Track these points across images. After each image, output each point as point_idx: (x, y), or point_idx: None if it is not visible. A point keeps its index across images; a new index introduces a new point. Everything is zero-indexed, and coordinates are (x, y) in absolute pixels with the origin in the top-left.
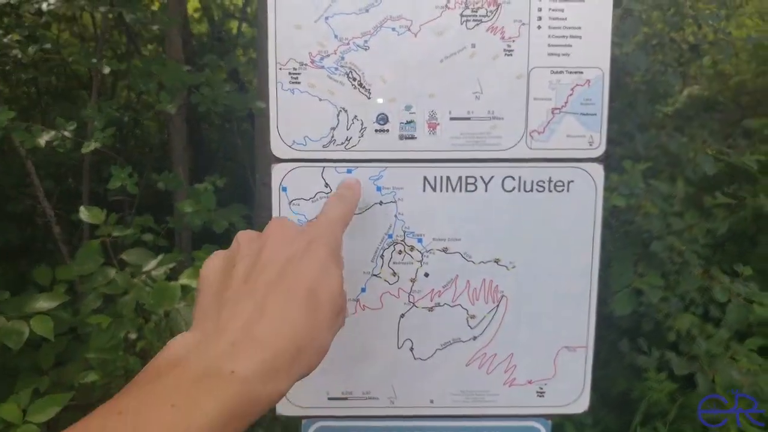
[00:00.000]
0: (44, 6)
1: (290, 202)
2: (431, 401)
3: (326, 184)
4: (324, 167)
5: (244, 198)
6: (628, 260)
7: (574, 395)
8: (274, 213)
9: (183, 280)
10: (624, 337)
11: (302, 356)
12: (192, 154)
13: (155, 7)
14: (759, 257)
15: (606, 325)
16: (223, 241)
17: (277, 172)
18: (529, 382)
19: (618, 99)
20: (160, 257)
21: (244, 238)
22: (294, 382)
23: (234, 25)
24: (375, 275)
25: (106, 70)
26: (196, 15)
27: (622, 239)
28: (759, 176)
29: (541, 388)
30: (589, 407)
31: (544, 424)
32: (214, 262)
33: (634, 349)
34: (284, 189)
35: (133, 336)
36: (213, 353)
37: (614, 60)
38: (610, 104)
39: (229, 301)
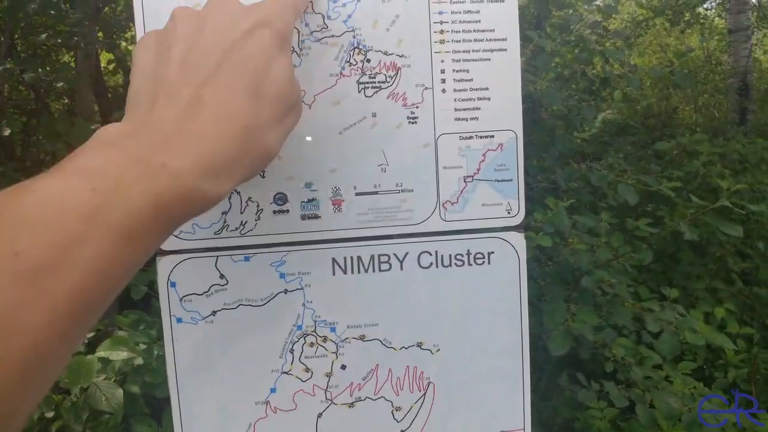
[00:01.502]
0: None
1: (181, 299)
2: None
3: (221, 275)
4: (217, 256)
5: None
6: (559, 297)
7: None
8: (164, 312)
9: (101, 352)
10: (562, 371)
11: (246, 154)
12: None
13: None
14: (681, 275)
15: (543, 357)
16: (146, 307)
17: (164, 266)
18: None
19: (535, 133)
20: None
21: (180, 14)
22: (237, 184)
23: None
24: (285, 373)
25: (7, 131)
26: (110, 67)
27: (551, 276)
28: (676, 201)
29: None
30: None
31: None
32: (147, 41)
33: (574, 382)
34: (173, 284)
35: (49, 415)
36: (144, 144)
37: (529, 96)
38: (525, 160)
39: (163, 88)
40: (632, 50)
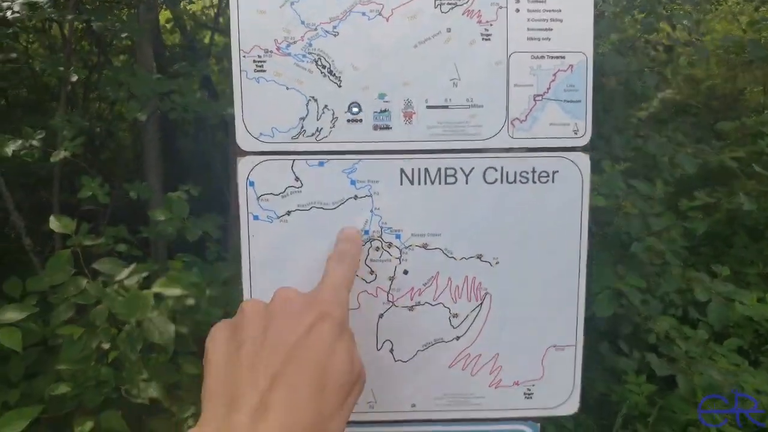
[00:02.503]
0: (8, 14)
1: (258, 198)
2: (413, 405)
3: (296, 177)
4: (294, 160)
5: (220, 207)
6: (608, 262)
7: (563, 397)
8: (242, 209)
9: (156, 288)
10: (604, 340)
11: None
12: (167, 164)
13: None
14: (734, 259)
15: (585, 327)
16: (198, 249)
17: (244, 165)
18: (516, 384)
19: (595, 100)
20: (132, 266)
21: (249, 310)
22: None
23: (207, 35)
24: None
25: (74, 77)
26: (168, 26)
27: (602, 241)
28: (738, 174)
29: (529, 390)
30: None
31: (532, 427)
32: (218, 335)
33: (614, 351)
34: (251, 183)
35: (105, 346)
36: None
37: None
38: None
39: (235, 392)
40: (699, 26)
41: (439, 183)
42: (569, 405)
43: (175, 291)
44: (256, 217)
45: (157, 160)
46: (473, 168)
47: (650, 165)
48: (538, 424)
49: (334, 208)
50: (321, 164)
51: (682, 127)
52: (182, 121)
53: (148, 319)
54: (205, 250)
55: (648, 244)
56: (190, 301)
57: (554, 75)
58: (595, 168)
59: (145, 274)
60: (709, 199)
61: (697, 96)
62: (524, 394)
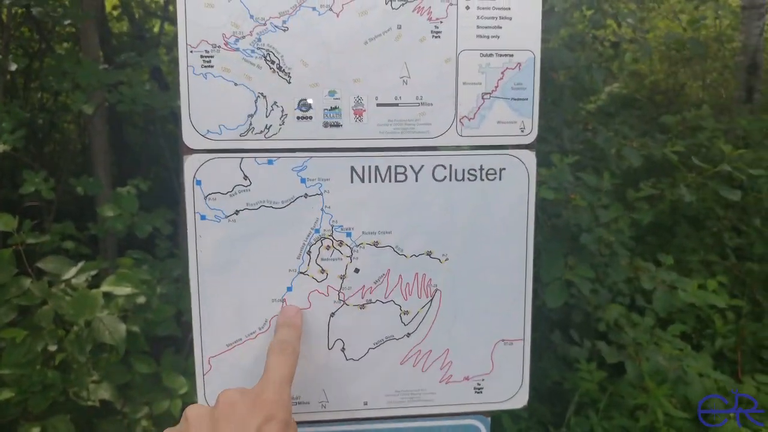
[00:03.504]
0: None
1: (206, 197)
2: (365, 403)
3: (245, 176)
4: (242, 158)
5: (170, 201)
6: (557, 253)
7: (513, 390)
8: (188, 209)
9: (105, 287)
10: (555, 330)
11: None
12: (116, 158)
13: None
14: (677, 247)
15: (537, 317)
16: (149, 245)
17: (190, 163)
18: (466, 379)
19: (545, 94)
20: (80, 265)
21: (194, 417)
22: None
23: (156, 23)
24: (302, 273)
25: (13, 66)
26: (116, 13)
27: (551, 232)
28: (679, 167)
29: (479, 384)
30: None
31: (483, 421)
32: None
33: (566, 340)
34: (198, 182)
35: (52, 348)
36: None
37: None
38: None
39: None
40: (644, 23)
41: (390, 181)
42: (518, 399)
43: (125, 289)
44: (203, 217)
45: (106, 153)
46: (423, 166)
47: (598, 158)
48: (489, 418)
49: (284, 207)
50: (270, 162)
51: (628, 121)
52: (131, 113)
53: (97, 319)
54: (154, 247)
55: (597, 236)
56: (141, 300)
57: (502, 73)
58: (545, 161)
59: (93, 273)
60: (654, 190)
61: (641, 90)
62: (474, 389)
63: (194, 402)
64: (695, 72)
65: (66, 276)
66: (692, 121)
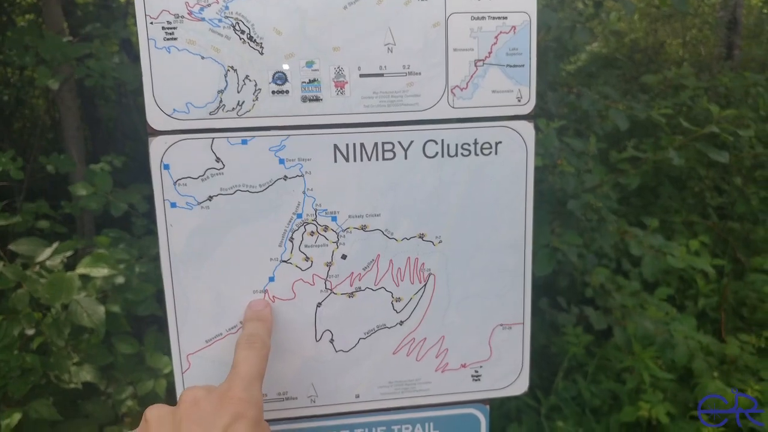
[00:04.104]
0: None
1: (175, 183)
2: (357, 396)
3: (217, 158)
4: (213, 138)
5: (146, 177)
6: (544, 220)
7: (513, 376)
8: (157, 196)
9: (81, 269)
10: (542, 296)
11: None
12: (89, 134)
13: None
14: (661, 208)
15: None
16: (125, 223)
17: (156, 146)
18: (463, 366)
19: None
20: (54, 245)
21: (154, 419)
22: None
23: None
24: (284, 261)
25: None
26: None
27: (537, 199)
28: (666, 130)
29: (477, 372)
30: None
31: (481, 410)
32: None
33: (553, 306)
34: (166, 167)
35: (29, 332)
36: None
37: None
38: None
39: None
40: None
41: (376, 159)
42: (518, 385)
43: (102, 270)
44: (173, 205)
45: (77, 129)
46: (412, 141)
47: (580, 120)
48: (488, 407)
49: (262, 191)
50: (244, 142)
51: (610, 81)
52: (102, 87)
53: (75, 302)
54: (131, 225)
55: (584, 201)
56: (120, 280)
57: (496, 38)
58: None
59: (69, 253)
60: (640, 154)
61: (621, 49)
62: (472, 376)
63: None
64: (675, 29)
65: (40, 258)
66: (674, 80)
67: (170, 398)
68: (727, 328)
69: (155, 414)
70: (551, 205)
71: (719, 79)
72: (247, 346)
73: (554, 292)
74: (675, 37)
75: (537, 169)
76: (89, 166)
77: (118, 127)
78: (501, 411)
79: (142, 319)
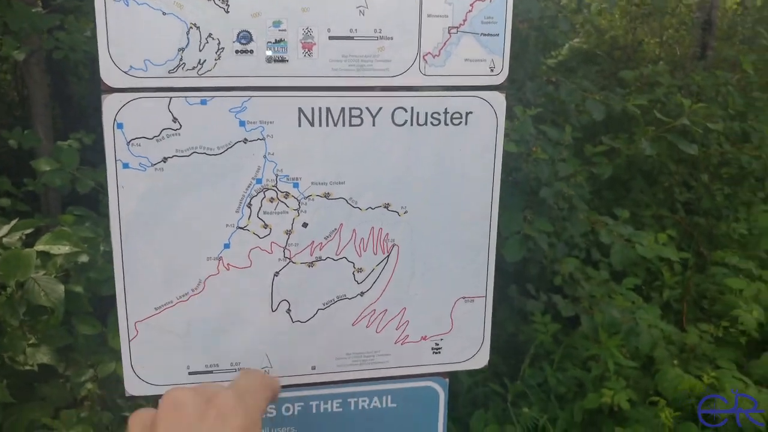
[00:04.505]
0: None
1: (129, 142)
2: (313, 367)
3: (174, 118)
4: (171, 98)
5: None
6: (517, 207)
7: (473, 349)
8: (108, 156)
9: (40, 246)
10: (512, 283)
11: None
12: (60, 111)
13: None
14: (631, 202)
15: (495, 271)
16: (92, 203)
17: (110, 104)
18: (424, 338)
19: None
20: (13, 222)
21: (133, 424)
22: None
23: None
24: (241, 228)
25: None
26: None
27: (511, 186)
28: (639, 120)
29: (437, 344)
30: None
31: (441, 383)
32: None
33: (522, 293)
34: (120, 126)
35: None
36: None
37: None
38: None
39: None
40: None
41: (343, 125)
42: (479, 358)
43: (63, 248)
44: (126, 165)
45: (45, 106)
46: (381, 108)
47: (558, 111)
48: (447, 380)
49: (220, 154)
50: (204, 102)
51: (589, 76)
52: (75, 64)
53: (31, 280)
54: (98, 204)
55: (557, 189)
56: (84, 258)
57: (471, 5)
58: (508, 113)
59: (28, 231)
60: (615, 144)
61: (601, 46)
62: (432, 349)
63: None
64: (653, 29)
65: None
66: (650, 77)
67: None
68: (688, 319)
69: (135, 421)
70: (525, 193)
71: (692, 78)
72: (247, 372)
73: (524, 279)
74: (653, 36)
75: (512, 156)
76: (57, 143)
77: (90, 105)
78: (468, 397)
79: (106, 299)
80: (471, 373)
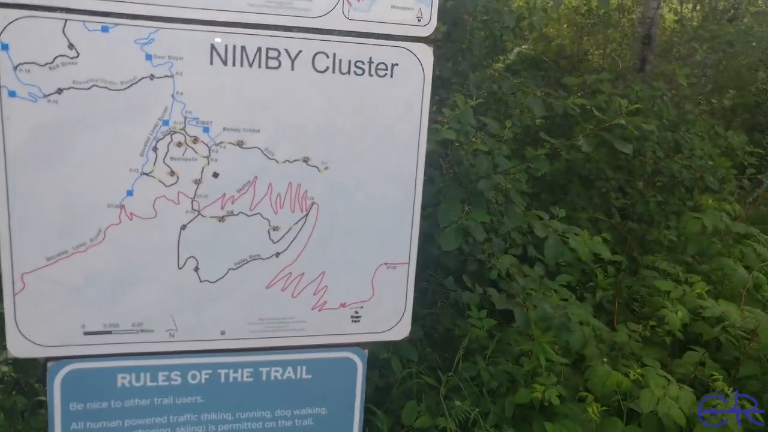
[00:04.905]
0: None
1: (15, 67)
2: (222, 332)
3: (70, 44)
4: (66, 20)
5: None
6: (455, 198)
7: (395, 319)
8: None
9: None
10: (449, 275)
11: None
12: None
13: None
14: (568, 205)
15: (434, 266)
16: None
17: None
18: (343, 306)
19: (455, 34)
20: None
21: None
22: None
23: None
24: (146, 174)
25: None
26: None
27: (452, 180)
28: (578, 119)
29: (357, 312)
30: (410, 333)
31: (359, 354)
32: None
33: (460, 287)
34: (5, 47)
35: None
36: None
37: None
38: (440, 60)
39: None
40: None
41: (259, 66)
42: (400, 328)
43: None
44: (12, 94)
45: None
46: (300, 51)
47: (500, 109)
48: (366, 351)
49: (123, 89)
50: (105, 29)
51: (534, 79)
52: None
53: None
54: None
55: (494, 181)
56: None
57: None
58: (446, 102)
59: None
60: (554, 141)
61: (548, 53)
62: (351, 317)
63: None
64: (597, 41)
65: None
66: (593, 84)
67: None
68: (619, 319)
69: None
70: (465, 187)
71: (631, 87)
72: None
73: (461, 275)
74: (597, 47)
75: (453, 149)
76: None
77: None
78: (401, 389)
79: None
80: (407, 365)
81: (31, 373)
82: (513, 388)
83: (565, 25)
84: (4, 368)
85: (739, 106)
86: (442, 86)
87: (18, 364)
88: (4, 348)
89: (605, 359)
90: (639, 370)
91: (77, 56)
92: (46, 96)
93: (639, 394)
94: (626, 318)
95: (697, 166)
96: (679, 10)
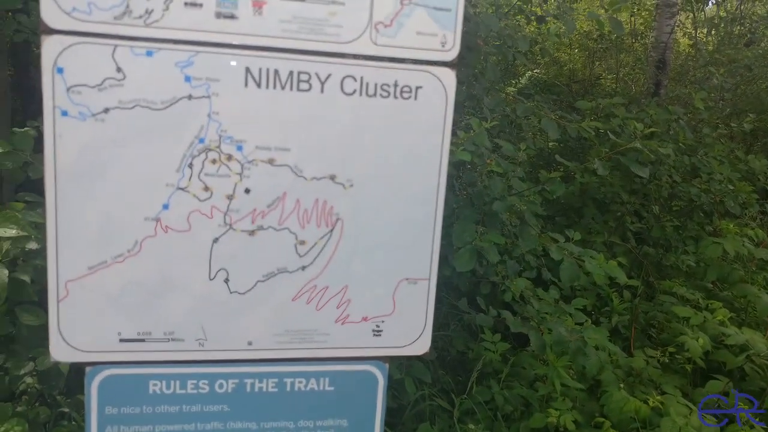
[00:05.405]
0: None
1: (69, 89)
2: (249, 343)
3: (118, 67)
4: (116, 46)
5: None
6: (470, 220)
7: (415, 334)
8: (46, 102)
9: None
10: (463, 297)
11: None
12: (23, 102)
13: None
14: (583, 228)
15: (447, 287)
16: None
17: (50, 46)
18: (365, 320)
19: (469, 58)
20: None
21: None
22: None
23: None
24: (181, 189)
25: None
26: None
27: (466, 201)
28: (593, 142)
29: (378, 327)
30: (430, 349)
31: (380, 367)
32: None
33: (473, 309)
34: (60, 70)
35: None
36: None
37: (467, 19)
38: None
39: None
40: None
41: (291, 89)
42: (420, 344)
43: (10, 231)
44: (64, 113)
45: (5, 95)
46: (330, 75)
47: (514, 132)
48: (387, 365)
49: (164, 109)
50: (149, 54)
51: (547, 102)
52: (37, 51)
53: None
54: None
55: (509, 203)
56: (32, 245)
57: None
58: (460, 125)
59: None
60: (568, 164)
61: (560, 77)
62: (373, 331)
63: None
64: (610, 66)
65: None
66: (606, 108)
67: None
68: (635, 345)
69: None
70: (479, 208)
71: (646, 111)
72: None
73: (475, 297)
74: (610, 72)
75: (467, 169)
76: (12, 129)
77: None
78: (413, 411)
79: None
80: (420, 386)
81: (54, 385)
82: (527, 412)
83: (576, 50)
84: (29, 380)
85: (760, 130)
86: (455, 109)
87: (42, 376)
88: (29, 360)
89: (622, 385)
90: (659, 398)
91: (123, 78)
92: (94, 115)
93: (659, 423)
94: (643, 344)
95: (716, 190)
96: (693, 35)
